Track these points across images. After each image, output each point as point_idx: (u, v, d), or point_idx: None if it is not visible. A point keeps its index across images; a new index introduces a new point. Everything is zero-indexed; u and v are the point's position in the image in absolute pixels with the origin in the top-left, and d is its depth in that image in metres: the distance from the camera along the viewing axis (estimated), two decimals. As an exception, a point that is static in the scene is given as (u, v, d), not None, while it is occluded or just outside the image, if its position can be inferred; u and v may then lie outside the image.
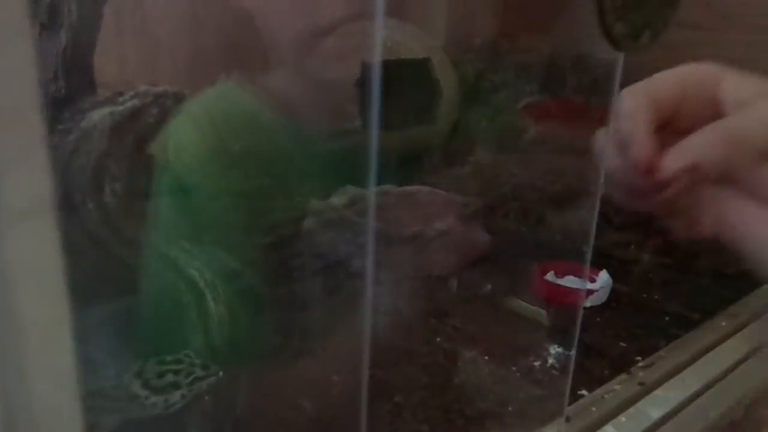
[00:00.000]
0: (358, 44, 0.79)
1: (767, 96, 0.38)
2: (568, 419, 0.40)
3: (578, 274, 0.54)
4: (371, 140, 0.20)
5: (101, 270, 0.33)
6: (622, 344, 0.52)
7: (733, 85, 0.39)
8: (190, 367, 0.32)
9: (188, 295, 0.34)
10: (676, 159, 0.36)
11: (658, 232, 0.70)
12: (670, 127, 0.41)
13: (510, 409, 0.42)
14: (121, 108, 0.31)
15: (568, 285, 0.59)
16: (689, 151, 0.36)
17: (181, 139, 0.70)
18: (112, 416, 0.32)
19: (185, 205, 0.47)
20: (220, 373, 0.34)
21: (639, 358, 0.49)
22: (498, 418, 0.41)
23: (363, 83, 0.76)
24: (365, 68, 0.79)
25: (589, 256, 0.36)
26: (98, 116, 0.31)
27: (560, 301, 0.57)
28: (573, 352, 0.31)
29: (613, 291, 0.60)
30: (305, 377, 0.42)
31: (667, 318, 0.57)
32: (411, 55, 0.82)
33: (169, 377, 0.31)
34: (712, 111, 0.41)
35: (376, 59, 0.20)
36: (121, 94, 0.32)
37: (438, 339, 0.51)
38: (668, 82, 0.41)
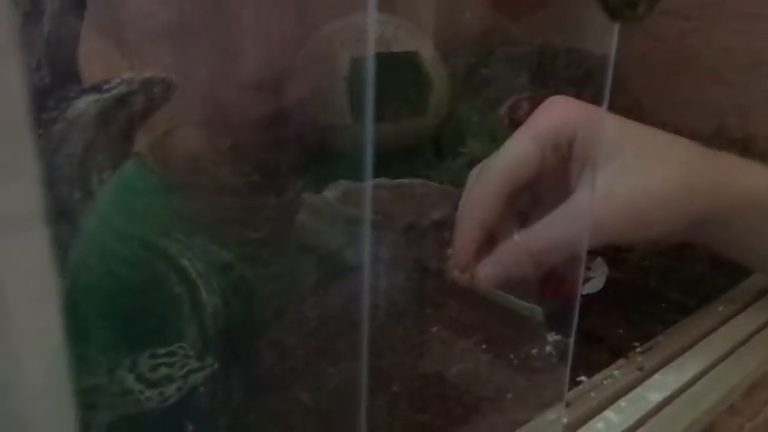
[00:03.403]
0: (346, 40, 0.79)
1: (607, 159, 0.42)
2: (568, 405, 0.40)
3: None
4: (367, 130, 0.19)
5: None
6: (620, 330, 0.52)
7: (582, 146, 0.44)
8: (185, 360, 0.31)
9: (180, 286, 0.34)
10: (488, 276, 0.44)
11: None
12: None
13: (509, 396, 0.42)
14: (106, 95, 0.30)
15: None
16: (499, 267, 0.44)
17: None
18: (107, 412, 0.32)
19: (175, 198, 0.46)
20: (216, 365, 0.33)
21: (637, 343, 0.49)
22: (498, 405, 0.41)
23: (351, 78, 0.76)
24: (354, 64, 0.78)
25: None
26: (84, 104, 0.30)
27: (555, 291, 0.56)
28: (571, 340, 0.31)
29: (609, 279, 0.60)
30: (301, 370, 0.42)
31: (663, 305, 0.57)
32: (401, 49, 0.82)
33: (163, 370, 0.31)
34: (565, 172, 0.46)
35: (370, 52, 0.20)
36: (107, 81, 0.31)
37: (434, 329, 0.50)
38: (524, 159, 0.45)
